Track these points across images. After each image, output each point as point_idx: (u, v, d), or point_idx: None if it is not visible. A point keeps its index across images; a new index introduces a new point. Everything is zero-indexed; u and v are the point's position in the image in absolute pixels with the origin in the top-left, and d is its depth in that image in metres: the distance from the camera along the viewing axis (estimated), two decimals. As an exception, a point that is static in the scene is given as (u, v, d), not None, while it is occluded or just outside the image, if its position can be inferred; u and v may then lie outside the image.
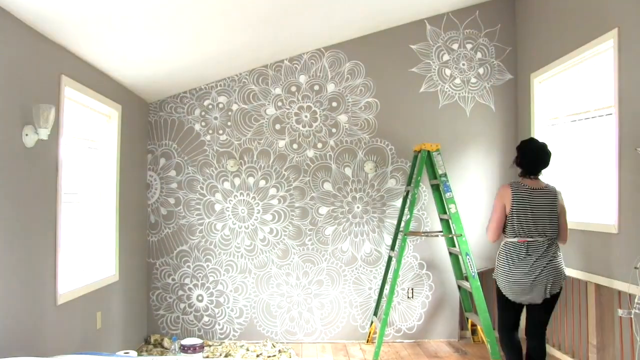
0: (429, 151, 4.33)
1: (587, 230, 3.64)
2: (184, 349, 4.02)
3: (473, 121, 4.82)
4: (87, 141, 3.74)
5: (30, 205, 2.80)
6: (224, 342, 4.66)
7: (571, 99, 4.03)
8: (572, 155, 4.06)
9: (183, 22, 3.44)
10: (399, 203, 4.78)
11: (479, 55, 4.83)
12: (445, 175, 4.29)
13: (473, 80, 4.82)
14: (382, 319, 4.26)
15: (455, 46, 4.83)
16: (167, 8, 3.14)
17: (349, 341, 4.75)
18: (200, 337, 4.71)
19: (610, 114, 3.45)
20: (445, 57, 4.82)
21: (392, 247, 4.65)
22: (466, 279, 4.32)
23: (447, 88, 4.82)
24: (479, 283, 4.14)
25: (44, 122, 2.75)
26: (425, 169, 4.48)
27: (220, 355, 4.28)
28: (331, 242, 4.78)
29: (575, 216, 3.94)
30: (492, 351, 4.03)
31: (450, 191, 4.25)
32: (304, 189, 4.79)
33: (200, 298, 4.75)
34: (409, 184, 4.61)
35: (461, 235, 4.18)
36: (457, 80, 4.82)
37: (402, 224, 4.51)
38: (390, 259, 4.64)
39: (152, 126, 4.80)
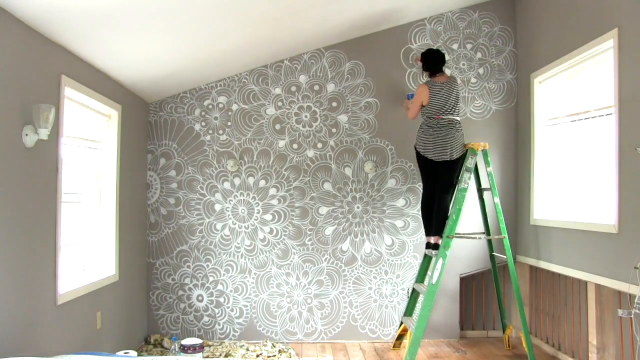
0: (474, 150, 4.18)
1: (587, 230, 3.64)
2: (184, 349, 4.02)
3: (473, 121, 4.82)
4: (87, 141, 3.74)
5: (30, 205, 2.80)
6: (224, 342, 4.66)
7: (571, 99, 4.03)
8: (572, 155, 4.06)
9: (183, 22, 3.44)
10: (399, 203, 4.78)
11: (478, 55, 4.83)
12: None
13: (473, 80, 4.82)
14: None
15: (455, 46, 4.83)
16: (167, 8, 3.14)
17: (349, 341, 4.75)
18: (200, 337, 4.71)
19: (611, 114, 3.45)
20: (446, 57, 4.81)
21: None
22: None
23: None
24: (435, 289, 3.93)
25: (44, 122, 2.75)
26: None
27: (220, 355, 4.29)
28: (331, 242, 4.78)
29: (575, 216, 3.94)
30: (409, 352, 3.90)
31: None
32: (304, 189, 4.79)
33: (200, 298, 4.76)
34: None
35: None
36: (457, 80, 4.82)
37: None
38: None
39: (152, 126, 4.80)
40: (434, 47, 4.55)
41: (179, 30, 3.56)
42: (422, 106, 4.22)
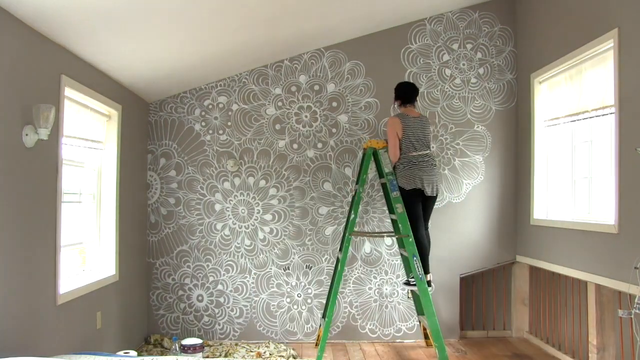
0: (375, 148, 4.17)
1: (587, 231, 3.64)
2: (184, 348, 4.02)
3: (473, 121, 4.82)
4: (87, 141, 3.74)
5: (30, 205, 2.80)
6: (224, 342, 4.66)
7: (571, 99, 4.03)
8: (572, 155, 4.06)
9: (183, 22, 3.44)
10: (399, 203, 4.78)
11: (479, 55, 4.83)
12: (391, 173, 4.08)
13: (473, 80, 4.82)
14: (325, 323, 4.09)
15: (455, 46, 4.83)
16: (168, 8, 3.14)
17: (349, 341, 4.75)
18: (200, 337, 4.71)
19: (611, 113, 3.45)
20: (446, 57, 4.82)
21: (341, 249, 4.44)
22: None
23: (447, 88, 4.82)
24: (425, 285, 3.94)
25: (44, 122, 2.75)
26: (376, 167, 4.40)
27: (220, 355, 4.29)
28: (331, 242, 4.78)
29: (575, 216, 3.94)
30: (440, 356, 3.83)
31: (397, 190, 4.03)
32: (304, 189, 4.79)
33: (200, 298, 4.75)
34: (356, 182, 4.48)
35: (408, 235, 3.96)
36: (457, 80, 4.82)
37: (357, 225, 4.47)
38: (338, 260, 4.42)
39: (152, 126, 4.80)
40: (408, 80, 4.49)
41: (179, 30, 3.56)
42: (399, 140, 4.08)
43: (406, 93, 4.21)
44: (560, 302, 4.22)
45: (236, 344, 4.60)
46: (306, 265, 4.74)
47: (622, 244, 3.23)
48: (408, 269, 4.32)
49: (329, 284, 4.70)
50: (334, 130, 4.81)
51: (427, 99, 4.82)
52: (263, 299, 4.76)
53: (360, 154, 4.71)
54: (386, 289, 4.78)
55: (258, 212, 4.78)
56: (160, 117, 4.80)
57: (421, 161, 4.03)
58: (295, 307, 4.77)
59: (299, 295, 4.77)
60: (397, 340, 4.77)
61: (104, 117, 3.95)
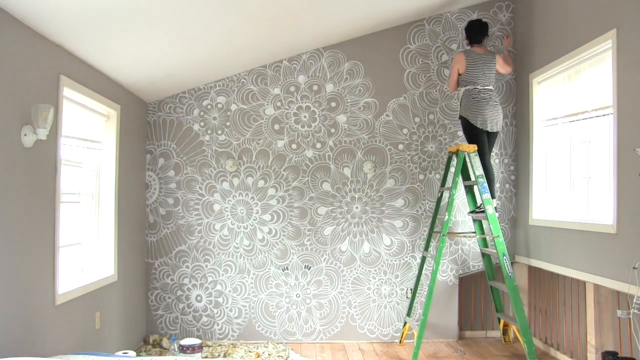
0: (467, 152, 4.27)
1: (585, 231, 3.64)
2: (183, 349, 4.02)
3: (472, 121, 4.82)
4: (86, 141, 3.74)
5: (29, 206, 2.80)
6: (222, 343, 4.66)
7: (570, 100, 4.03)
8: (570, 155, 4.06)
9: (182, 22, 3.44)
10: (397, 203, 4.79)
11: (477, 55, 4.82)
12: (482, 176, 4.21)
13: (472, 80, 4.82)
14: (421, 320, 4.17)
15: (454, 46, 4.83)
16: (166, 8, 3.14)
17: (348, 341, 4.75)
18: (199, 337, 4.71)
19: (610, 114, 3.45)
20: (444, 58, 4.83)
21: (426, 248, 4.60)
22: (502, 279, 4.32)
23: (445, 88, 4.82)
24: (515, 283, 4.10)
25: (43, 122, 2.74)
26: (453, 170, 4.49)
27: (219, 355, 4.28)
28: (330, 243, 4.78)
29: (574, 216, 3.95)
30: (528, 351, 4.00)
31: (487, 192, 4.18)
32: (303, 189, 4.79)
33: (199, 298, 4.75)
34: (443, 184, 4.57)
35: (498, 236, 4.13)
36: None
37: (437, 225, 4.59)
38: (424, 259, 4.59)
39: (150, 126, 4.79)
40: (479, 19, 4.62)
41: (177, 31, 3.55)
42: (459, 74, 4.42)
43: (471, 34, 4.47)
44: (558, 302, 4.23)
45: (235, 345, 4.60)
46: (305, 266, 4.74)
47: (620, 244, 3.24)
48: (489, 268, 4.62)
49: (413, 282, 4.71)
50: (332, 130, 4.81)
51: (426, 99, 4.82)
52: (262, 299, 4.76)
53: (446, 159, 4.67)
54: (385, 289, 4.78)
55: (257, 213, 4.78)
56: (159, 117, 4.80)
57: (483, 97, 4.33)
58: (294, 307, 4.77)
59: (298, 295, 4.77)
60: (396, 341, 4.76)
61: (103, 117, 3.94)
